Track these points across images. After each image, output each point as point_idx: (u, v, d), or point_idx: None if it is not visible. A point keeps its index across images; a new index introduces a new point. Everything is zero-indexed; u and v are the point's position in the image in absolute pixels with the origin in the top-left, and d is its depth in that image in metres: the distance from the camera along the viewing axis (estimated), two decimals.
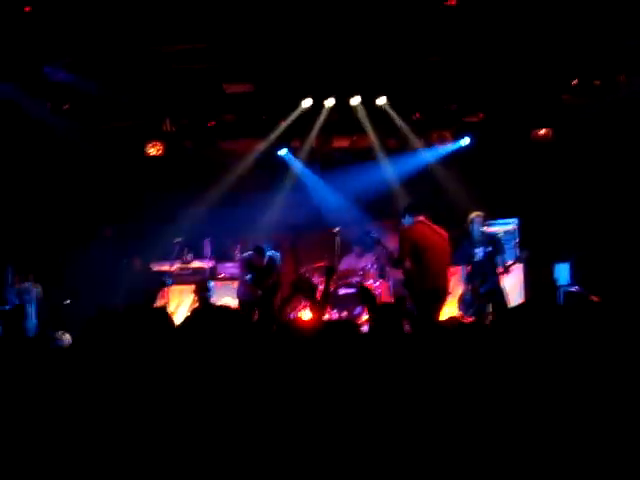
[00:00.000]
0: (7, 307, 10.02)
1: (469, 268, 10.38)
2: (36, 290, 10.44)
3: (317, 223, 12.02)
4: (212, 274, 11.43)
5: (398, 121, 11.93)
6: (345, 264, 11.39)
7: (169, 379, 3.87)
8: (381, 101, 11.66)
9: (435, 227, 9.51)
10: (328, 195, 12.52)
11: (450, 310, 10.35)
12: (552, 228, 11.44)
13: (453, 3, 9.14)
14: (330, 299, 10.87)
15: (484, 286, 10.01)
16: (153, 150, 12.16)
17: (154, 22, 9.39)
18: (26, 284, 10.43)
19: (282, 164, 12.60)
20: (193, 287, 11.08)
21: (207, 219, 11.77)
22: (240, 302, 10.42)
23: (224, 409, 3.57)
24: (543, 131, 11.87)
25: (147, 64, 10.38)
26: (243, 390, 3.71)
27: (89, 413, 3.58)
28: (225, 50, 10.12)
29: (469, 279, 10.27)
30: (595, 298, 8.65)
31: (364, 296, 10.41)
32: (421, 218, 9.42)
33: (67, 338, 5.89)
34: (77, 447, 3.42)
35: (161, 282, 11.14)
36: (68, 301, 10.69)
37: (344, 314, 10.89)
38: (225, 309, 6.72)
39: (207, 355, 4.28)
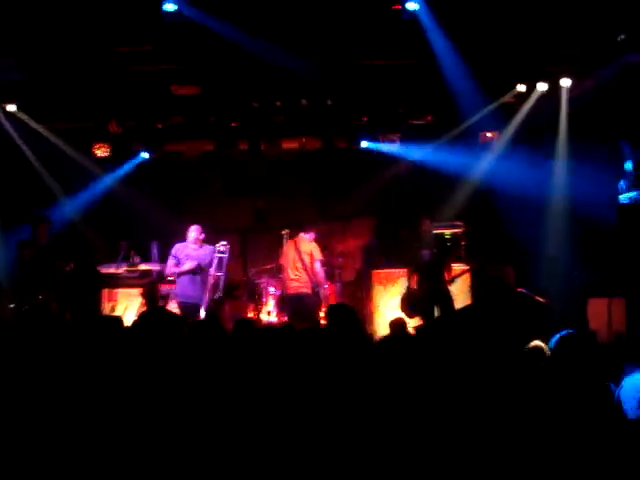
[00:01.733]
0: None
1: (417, 270, 10.50)
2: None
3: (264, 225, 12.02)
4: (160, 277, 11.28)
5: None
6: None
7: (123, 382, 3.90)
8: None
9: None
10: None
11: (395, 312, 10.52)
12: (497, 232, 11.58)
13: (399, 7, 9.22)
14: (280, 302, 11.12)
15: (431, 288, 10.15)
16: (100, 152, 12.07)
17: (102, 23, 9.32)
18: None
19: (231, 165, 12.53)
20: (140, 290, 11.04)
21: (153, 221, 11.67)
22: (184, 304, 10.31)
23: (181, 409, 3.59)
24: (490, 134, 12.00)
25: (95, 65, 10.24)
26: (201, 391, 3.75)
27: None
28: (173, 52, 10.04)
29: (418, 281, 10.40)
30: (541, 299, 8.82)
31: None
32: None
33: None
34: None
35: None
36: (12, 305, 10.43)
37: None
38: (171, 312, 6.74)
39: (158, 357, 4.30)
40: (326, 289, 11.00)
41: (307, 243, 10.67)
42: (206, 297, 10.28)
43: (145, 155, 12.39)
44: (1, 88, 10.62)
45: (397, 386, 3.78)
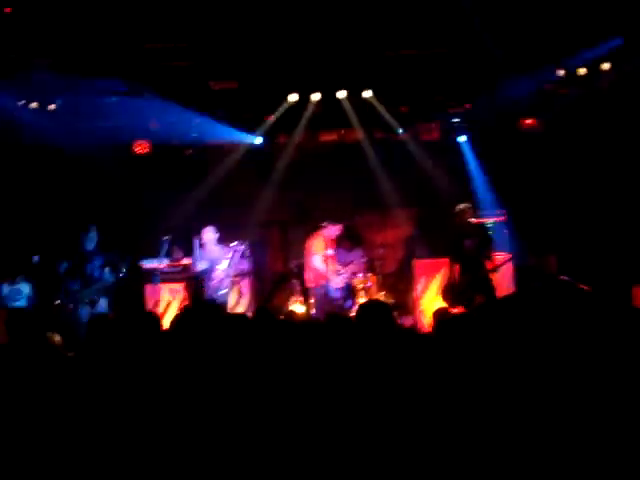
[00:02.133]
0: None
1: (459, 259, 10.44)
2: (27, 289, 10.46)
3: (305, 218, 12.04)
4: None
5: (385, 114, 11.92)
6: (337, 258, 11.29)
7: (164, 380, 3.88)
8: (367, 94, 11.63)
9: None
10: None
11: (438, 302, 10.50)
12: (540, 219, 11.47)
13: None
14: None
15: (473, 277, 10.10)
16: (140, 149, 12.17)
17: (138, 21, 9.38)
18: (17, 284, 10.43)
19: (268, 159, 12.58)
20: (183, 285, 11.14)
21: (195, 216, 11.72)
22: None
23: (224, 407, 3.55)
24: (529, 121, 11.89)
25: (132, 63, 10.34)
26: (243, 387, 3.71)
27: (88, 416, 3.60)
28: (209, 47, 10.10)
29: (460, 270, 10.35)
30: (584, 287, 8.70)
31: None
32: None
33: (57, 339, 5.86)
34: (74, 450, 3.42)
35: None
36: (58, 301, 10.56)
37: (334, 308, 10.79)
38: (216, 306, 6.75)
39: (200, 352, 4.30)
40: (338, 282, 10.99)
41: (315, 238, 10.74)
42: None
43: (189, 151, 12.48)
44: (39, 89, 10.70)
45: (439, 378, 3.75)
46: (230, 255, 10.59)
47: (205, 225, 10.98)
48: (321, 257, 10.80)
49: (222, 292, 10.52)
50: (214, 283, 10.52)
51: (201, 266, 10.51)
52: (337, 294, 10.85)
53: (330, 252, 10.88)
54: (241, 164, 12.43)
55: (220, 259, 10.61)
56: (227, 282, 10.65)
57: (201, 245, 10.80)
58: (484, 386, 3.61)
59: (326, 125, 12.47)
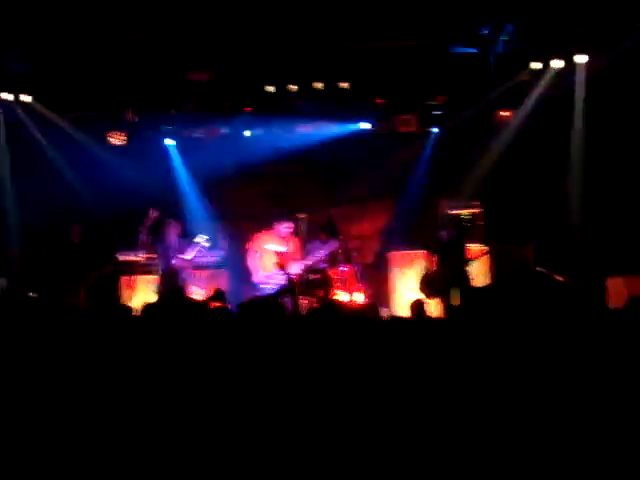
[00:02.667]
0: None
1: (436, 251, 10.49)
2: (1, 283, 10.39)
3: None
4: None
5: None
6: (312, 251, 11.07)
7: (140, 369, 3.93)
8: (344, 85, 11.53)
9: None
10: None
11: (414, 294, 10.51)
12: (514, 211, 11.53)
13: None
14: (298, 286, 10.78)
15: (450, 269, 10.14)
16: (115, 140, 12.10)
17: (115, 11, 9.32)
18: None
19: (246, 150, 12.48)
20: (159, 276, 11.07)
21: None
22: None
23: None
24: (505, 113, 11.94)
25: (108, 53, 10.27)
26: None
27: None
28: (185, 38, 10.03)
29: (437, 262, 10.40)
30: (560, 278, 8.76)
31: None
32: None
33: None
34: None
35: None
36: (33, 294, 10.52)
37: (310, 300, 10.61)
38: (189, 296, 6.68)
39: (178, 340, 4.30)
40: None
41: (265, 233, 10.78)
42: None
43: (171, 142, 12.46)
44: (12, 79, 10.65)
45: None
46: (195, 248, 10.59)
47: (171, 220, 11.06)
48: (259, 254, 10.62)
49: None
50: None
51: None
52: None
53: (275, 248, 10.63)
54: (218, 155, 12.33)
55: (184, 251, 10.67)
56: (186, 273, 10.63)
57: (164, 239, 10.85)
58: (462, 375, 3.66)
59: (302, 116, 12.36)
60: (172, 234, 10.92)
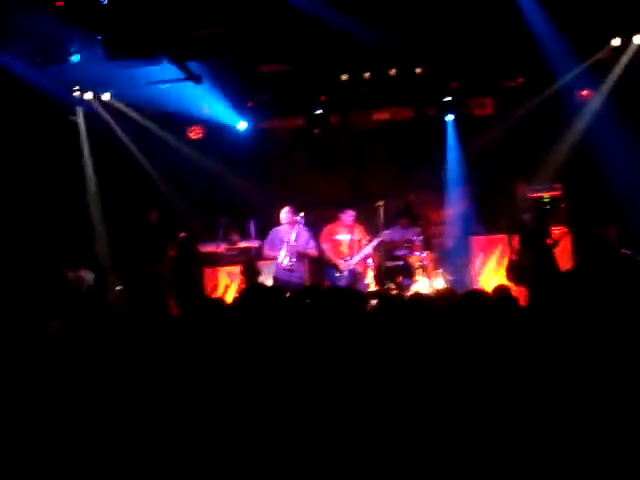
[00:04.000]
0: None
1: (518, 236, 10.32)
2: (89, 278, 10.61)
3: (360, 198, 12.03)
4: (258, 254, 11.42)
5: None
6: (390, 236, 11.14)
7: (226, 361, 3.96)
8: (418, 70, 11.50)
9: None
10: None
11: (496, 278, 10.49)
12: (596, 192, 11.26)
13: None
14: (377, 272, 11.10)
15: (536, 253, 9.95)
16: (193, 134, 12.32)
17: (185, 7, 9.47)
18: (79, 272, 10.56)
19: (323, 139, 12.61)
20: (240, 268, 11.22)
21: (250, 198, 11.97)
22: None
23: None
24: (586, 92, 11.67)
25: (182, 48, 10.40)
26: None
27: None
28: (258, 30, 10.06)
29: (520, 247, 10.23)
30: None
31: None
32: None
33: None
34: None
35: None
36: (119, 287, 10.77)
37: (392, 286, 10.88)
38: (275, 289, 6.80)
39: (259, 334, 4.33)
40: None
41: (332, 224, 10.92)
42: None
43: (243, 126, 12.56)
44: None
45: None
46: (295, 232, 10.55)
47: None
48: (330, 243, 10.79)
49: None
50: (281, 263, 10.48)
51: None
52: (340, 281, 10.61)
53: (342, 237, 10.82)
54: (293, 145, 12.56)
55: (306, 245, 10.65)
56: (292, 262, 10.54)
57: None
58: (546, 364, 3.60)
59: (378, 104, 12.38)
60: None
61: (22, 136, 10.54)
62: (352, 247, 10.81)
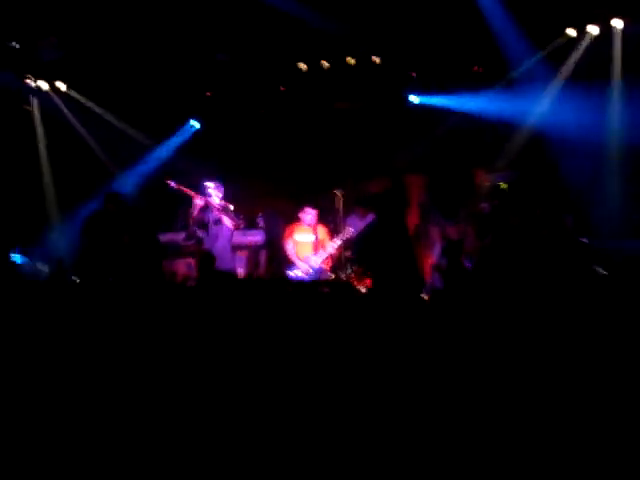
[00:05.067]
0: None
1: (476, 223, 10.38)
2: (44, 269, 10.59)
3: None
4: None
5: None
6: (354, 232, 10.93)
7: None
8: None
9: None
10: None
11: None
12: (553, 181, 11.33)
13: None
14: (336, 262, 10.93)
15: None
16: None
17: None
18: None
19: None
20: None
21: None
22: None
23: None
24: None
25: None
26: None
27: None
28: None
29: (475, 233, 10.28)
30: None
31: None
32: None
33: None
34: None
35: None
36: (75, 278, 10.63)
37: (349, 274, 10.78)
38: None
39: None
40: None
41: (293, 224, 10.86)
42: None
43: (196, 124, 12.50)
44: (47, 68, 10.80)
45: None
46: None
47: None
48: (292, 242, 10.71)
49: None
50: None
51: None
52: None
53: (304, 238, 10.71)
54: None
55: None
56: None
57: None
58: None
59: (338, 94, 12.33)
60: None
61: None
62: (316, 249, 10.64)
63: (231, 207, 10.52)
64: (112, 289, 8.35)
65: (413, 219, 12.52)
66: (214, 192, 10.45)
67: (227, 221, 10.37)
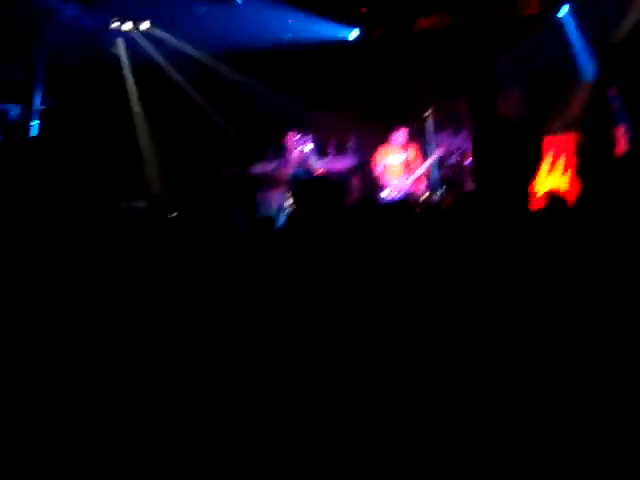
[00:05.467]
0: None
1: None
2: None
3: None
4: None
5: None
6: (445, 150, 10.75)
7: None
8: None
9: None
10: None
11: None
12: None
13: None
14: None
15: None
16: None
17: None
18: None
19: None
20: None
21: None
22: None
23: None
24: None
25: None
26: None
27: None
28: None
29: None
30: None
31: None
32: None
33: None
34: None
35: None
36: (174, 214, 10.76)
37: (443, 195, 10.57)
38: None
39: None
40: None
41: (382, 146, 10.68)
42: None
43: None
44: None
45: None
46: None
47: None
48: (383, 163, 10.56)
49: None
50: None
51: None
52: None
53: (395, 159, 10.54)
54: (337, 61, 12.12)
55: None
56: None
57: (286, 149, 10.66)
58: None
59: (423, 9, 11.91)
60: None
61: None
62: (407, 168, 10.52)
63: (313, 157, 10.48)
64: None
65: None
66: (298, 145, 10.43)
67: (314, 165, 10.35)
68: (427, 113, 10.69)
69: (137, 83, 11.78)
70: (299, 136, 10.47)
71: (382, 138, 10.83)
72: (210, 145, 11.63)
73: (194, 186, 10.93)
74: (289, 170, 10.45)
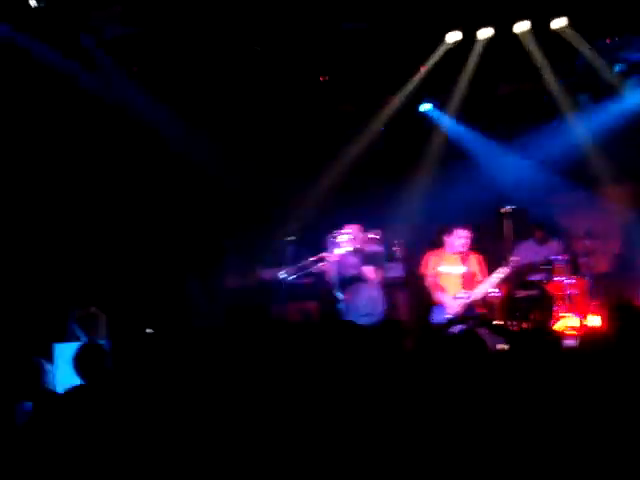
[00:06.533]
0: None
1: None
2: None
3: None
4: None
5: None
6: (522, 254, 9.17)
7: None
8: (559, 24, 8.96)
9: None
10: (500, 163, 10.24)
11: None
12: None
13: None
14: (506, 304, 9.13)
15: None
16: None
17: None
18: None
19: (425, 127, 10.50)
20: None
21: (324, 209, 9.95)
22: None
23: None
24: None
25: None
26: None
27: None
28: None
29: None
30: None
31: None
32: None
33: None
34: None
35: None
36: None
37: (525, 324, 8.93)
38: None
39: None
40: None
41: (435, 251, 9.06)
42: None
43: None
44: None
45: None
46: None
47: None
48: (434, 274, 8.79)
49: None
50: None
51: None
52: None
53: (451, 270, 8.72)
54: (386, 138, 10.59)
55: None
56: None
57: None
58: None
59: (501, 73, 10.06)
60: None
61: None
62: (467, 283, 8.62)
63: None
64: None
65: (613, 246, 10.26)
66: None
67: (369, 272, 8.80)
68: (505, 209, 8.85)
69: None
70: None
71: (436, 241, 9.06)
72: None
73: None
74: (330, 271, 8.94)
